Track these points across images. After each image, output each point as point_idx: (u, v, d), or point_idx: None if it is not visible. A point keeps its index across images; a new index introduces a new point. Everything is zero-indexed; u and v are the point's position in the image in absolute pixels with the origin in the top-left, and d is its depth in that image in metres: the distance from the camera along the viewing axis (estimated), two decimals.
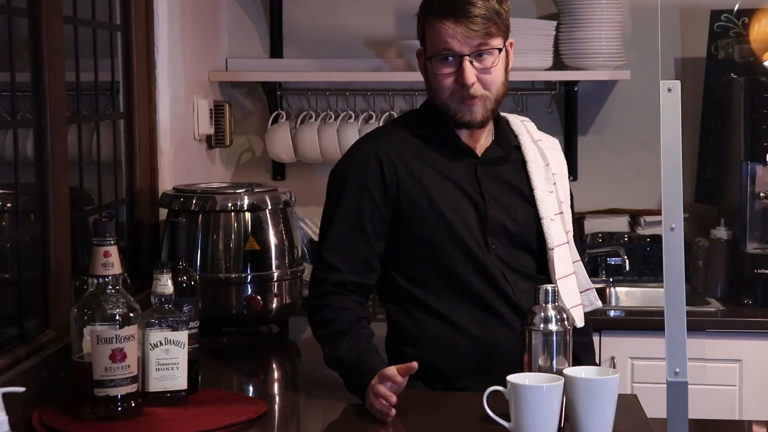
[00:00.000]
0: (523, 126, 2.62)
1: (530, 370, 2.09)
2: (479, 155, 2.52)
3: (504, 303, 2.44)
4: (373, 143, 2.50)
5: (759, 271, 3.49)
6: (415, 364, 2.19)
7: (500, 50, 2.43)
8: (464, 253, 2.43)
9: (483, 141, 2.53)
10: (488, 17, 2.40)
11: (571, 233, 2.59)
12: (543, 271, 2.50)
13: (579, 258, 2.61)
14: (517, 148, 2.56)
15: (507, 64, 2.50)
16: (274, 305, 3.01)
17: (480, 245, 2.45)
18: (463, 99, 2.42)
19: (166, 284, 2.18)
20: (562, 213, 2.57)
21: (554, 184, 2.56)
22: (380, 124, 3.89)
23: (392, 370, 2.20)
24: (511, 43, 2.51)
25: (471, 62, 2.40)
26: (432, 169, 2.47)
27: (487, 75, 2.43)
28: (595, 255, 3.82)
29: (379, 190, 2.44)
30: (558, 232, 2.52)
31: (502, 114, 2.61)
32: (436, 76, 2.44)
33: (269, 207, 3.03)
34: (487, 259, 2.44)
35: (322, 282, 2.42)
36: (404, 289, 2.48)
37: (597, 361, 2.78)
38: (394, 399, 2.18)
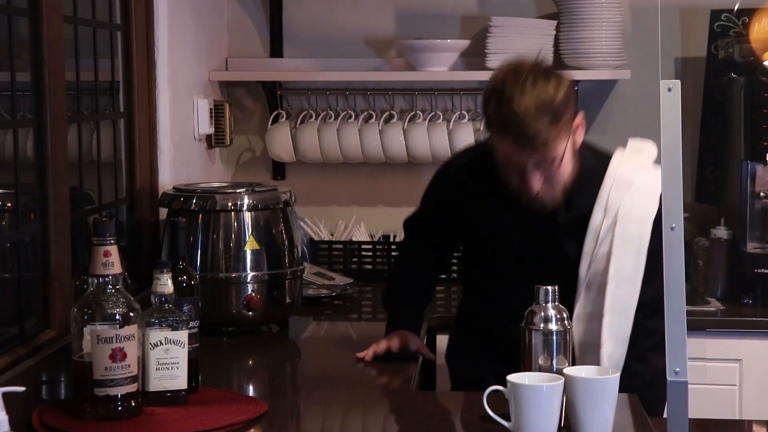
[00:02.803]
0: (612, 193, 2.52)
1: (530, 370, 2.09)
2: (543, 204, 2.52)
3: None
4: (452, 161, 2.80)
5: (759, 270, 3.49)
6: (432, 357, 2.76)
7: (561, 156, 2.41)
8: (506, 267, 2.64)
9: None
10: (543, 132, 2.35)
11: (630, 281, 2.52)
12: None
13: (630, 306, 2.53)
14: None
15: (575, 147, 2.47)
16: (274, 305, 3.01)
17: (524, 261, 2.58)
18: (531, 198, 2.47)
19: (166, 284, 2.18)
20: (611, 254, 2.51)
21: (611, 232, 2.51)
22: (380, 124, 3.90)
23: (420, 348, 2.71)
24: (581, 118, 2.48)
25: (535, 171, 2.42)
26: (487, 199, 2.60)
27: (552, 178, 2.44)
28: None
29: (440, 201, 2.74)
30: (595, 273, 2.52)
31: (614, 160, 2.56)
32: (502, 172, 2.48)
33: (269, 207, 3.03)
34: (528, 272, 2.50)
35: (400, 247, 2.99)
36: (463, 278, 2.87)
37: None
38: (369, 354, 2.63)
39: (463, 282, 2.89)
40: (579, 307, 2.53)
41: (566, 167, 2.46)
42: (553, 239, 2.56)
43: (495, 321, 2.65)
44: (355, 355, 2.66)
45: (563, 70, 2.55)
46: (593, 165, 2.56)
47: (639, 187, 2.54)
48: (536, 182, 2.43)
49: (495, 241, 2.64)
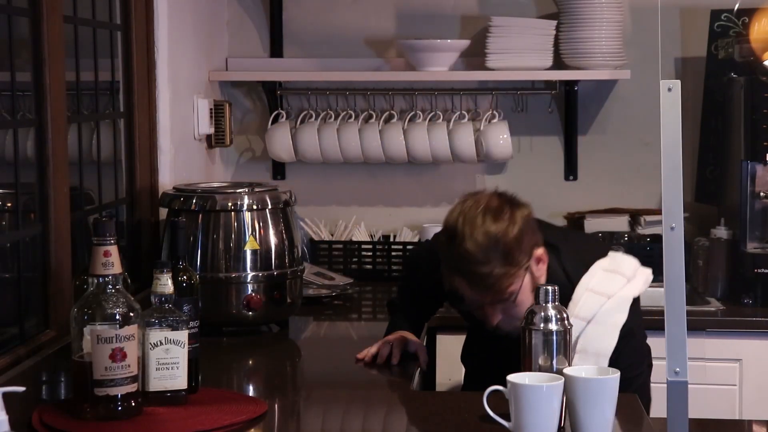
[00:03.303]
0: (584, 300, 2.45)
1: (530, 370, 2.09)
2: None
3: None
4: (421, 249, 2.91)
5: (759, 270, 3.49)
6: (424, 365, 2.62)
7: (517, 293, 2.37)
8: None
9: None
10: (494, 275, 2.34)
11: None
12: None
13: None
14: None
15: (535, 280, 2.41)
16: (274, 305, 3.01)
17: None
18: (493, 327, 2.43)
19: (166, 284, 2.18)
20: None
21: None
22: (380, 124, 3.90)
23: (418, 349, 2.64)
24: (537, 258, 2.42)
25: (492, 304, 2.39)
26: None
27: (511, 310, 2.39)
28: None
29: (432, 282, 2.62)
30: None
31: (592, 273, 2.48)
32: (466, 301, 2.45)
33: (269, 207, 3.03)
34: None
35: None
36: None
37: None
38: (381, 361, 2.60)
39: None
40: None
41: (526, 301, 2.37)
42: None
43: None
44: (355, 357, 2.66)
45: (517, 206, 2.41)
46: (562, 282, 2.45)
47: (618, 292, 2.46)
48: (494, 317, 2.41)
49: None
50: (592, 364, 2.32)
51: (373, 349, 2.63)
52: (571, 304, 2.44)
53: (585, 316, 2.44)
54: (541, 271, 2.44)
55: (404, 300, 2.85)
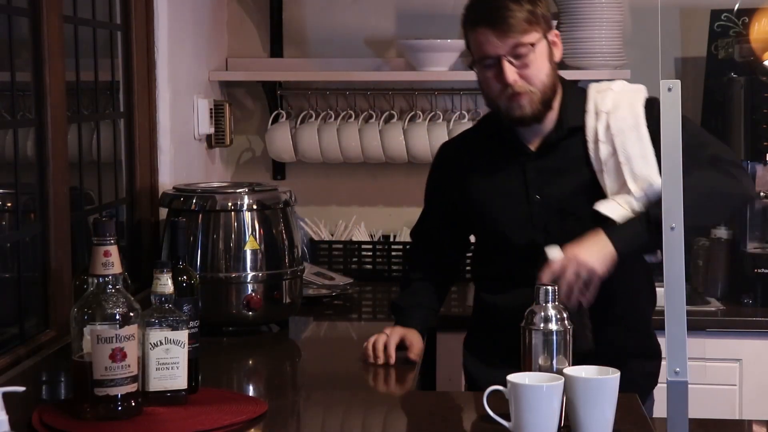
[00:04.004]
0: (597, 98, 2.57)
1: (530, 370, 2.09)
2: (534, 149, 2.56)
3: None
4: (445, 148, 2.79)
5: (759, 270, 3.49)
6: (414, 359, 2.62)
7: (534, 45, 2.46)
8: (511, 253, 2.59)
9: (545, 131, 2.56)
10: (520, 17, 2.45)
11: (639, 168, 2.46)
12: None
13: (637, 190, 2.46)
14: (580, 128, 2.54)
15: (551, 56, 2.52)
16: (274, 305, 3.01)
17: (526, 243, 2.54)
18: (509, 97, 2.49)
19: (166, 284, 2.18)
20: (625, 185, 2.46)
21: (613, 149, 2.48)
22: (380, 124, 3.90)
23: (415, 347, 2.65)
24: (556, 34, 2.55)
25: (510, 61, 2.46)
26: (485, 171, 2.63)
27: (527, 71, 2.47)
28: None
29: (440, 189, 2.73)
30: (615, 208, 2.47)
31: (591, 84, 2.61)
32: (482, 80, 2.54)
33: (269, 207, 3.03)
34: (533, 255, 2.46)
35: (407, 250, 2.84)
36: (475, 276, 2.81)
37: None
38: (381, 360, 2.61)
39: (477, 281, 2.78)
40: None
41: (542, 65, 2.49)
42: (561, 183, 2.55)
43: (515, 311, 2.44)
44: (361, 354, 2.64)
45: None
46: (573, 86, 2.65)
47: (620, 86, 2.58)
48: (511, 73, 2.46)
49: (506, 212, 2.60)
50: (627, 114, 2.49)
51: (369, 345, 2.63)
52: (590, 86, 2.58)
53: (606, 87, 2.57)
54: (558, 51, 2.55)
55: (413, 287, 2.77)
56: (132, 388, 2.08)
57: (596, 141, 2.51)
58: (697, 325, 3.31)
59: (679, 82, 1.80)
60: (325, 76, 3.95)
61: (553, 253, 2.35)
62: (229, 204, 2.99)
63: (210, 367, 2.54)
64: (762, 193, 3.51)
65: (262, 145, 4.09)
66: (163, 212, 3.17)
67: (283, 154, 3.96)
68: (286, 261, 3.04)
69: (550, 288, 2.11)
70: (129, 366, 2.07)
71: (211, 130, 3.79)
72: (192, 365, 2.25)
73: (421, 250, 2.82)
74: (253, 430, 2.15)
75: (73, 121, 2.78)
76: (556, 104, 2.55)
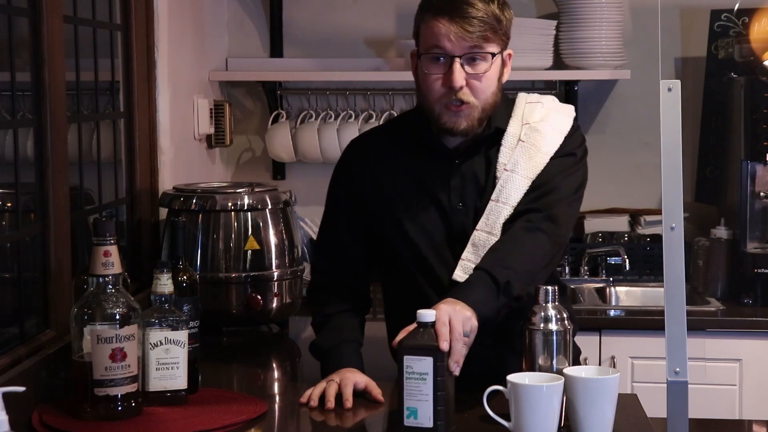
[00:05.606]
0: (525, 108, 2.45)
1: (530, 370, 2.09)
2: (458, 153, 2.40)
3: None
4: (353, 147, 2.53)
5: (759, 270, 3.49)
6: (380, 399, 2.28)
7: (494, 55, 2.31)
8: (422, 266, 2.40)
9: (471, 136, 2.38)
10: (486, 21, 2.29)
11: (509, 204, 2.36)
12: None
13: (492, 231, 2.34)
14: (503, 130, 2.41)
15: (501, 75, 2.37)
16: (274, 305, 3.01)
17: (441, 257, 2.38)
18: (449, 104, 2.30)
19: (166, 284, 2.18)
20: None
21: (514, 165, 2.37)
22: (380, 124, 3.90)
23: (368, 385, 2.30)
24: (509, 55, 2.40)
25: (462, 65, 2.28)
26: (403, 178, 2.42)
27: (477, 81, 2.30)
28: (595, 254, 3.83)
29: (349, 197, 2.47)
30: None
31: (521, 94, 2.50)
32: (425, 75, 2.32)
33: (269, 207, 3.03)
34: (445, 270, 2.36)
35: (312, 284, 2.56)
36: (384, 290, 2.54)
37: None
38: (331, 405, 2.24)
39: (387, 295, 2.54)
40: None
41: (491, 82, 2.32)
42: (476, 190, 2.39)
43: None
44: (299, 401, 2.30)
45: None
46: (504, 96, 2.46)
47: (550, 103, 2.49)
48: (460, 76, 2.27)
49: (417, 222, 2.40)
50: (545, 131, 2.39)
51: (317, 390, 2.28)
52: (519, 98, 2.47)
53: (535, 101, 2.49)
54: (505, 74, 2.39)
55: (330, 324, 2.45)
56: (132, 388, 2.09)
57: (507, 147, 2.39)
58: (697, 325, 3.31)
59: (679, 82, 1.80)
60: (325, 76, 3.95)
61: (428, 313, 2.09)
62: (229, 204, 2.99)
63: (210, 367, 2.54)
64: (762, 193, 3.52)
65: (262, 145, 4.09)
66: (163, 212, 3.17)
67: (283, 154, 3.96)
68: (286, 261, 3.04)
69: (549, 288, 2.11)
70: (129, 366, 2.07)
71: (211, 130, 3.79)
72: (192, 365, 2.25)
73: (332, 277, 2.50)
74: (253, 430, 2.15)
75: (73, 121, 2.78)
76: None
